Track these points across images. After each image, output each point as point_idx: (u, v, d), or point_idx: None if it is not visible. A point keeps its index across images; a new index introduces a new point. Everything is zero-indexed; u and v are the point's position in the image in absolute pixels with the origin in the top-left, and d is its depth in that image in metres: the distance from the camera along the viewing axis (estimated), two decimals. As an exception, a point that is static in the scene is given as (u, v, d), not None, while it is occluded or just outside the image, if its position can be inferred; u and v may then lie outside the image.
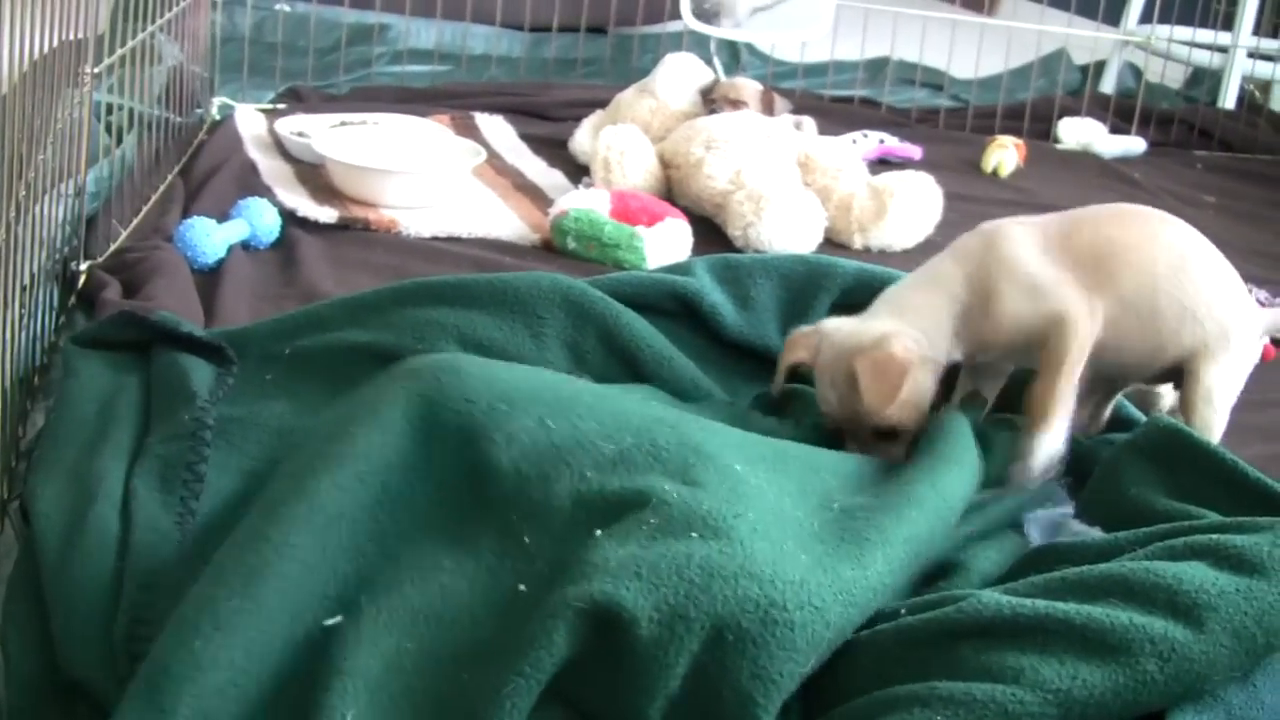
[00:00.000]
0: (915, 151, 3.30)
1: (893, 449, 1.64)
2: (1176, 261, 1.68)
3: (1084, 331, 1.64)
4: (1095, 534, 1.55)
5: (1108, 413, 1.83)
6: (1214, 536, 1.33)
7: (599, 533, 1.27)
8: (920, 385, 1.64)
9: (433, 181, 2.60)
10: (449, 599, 1.24)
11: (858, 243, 2.64)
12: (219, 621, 1.18)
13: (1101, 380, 1.76)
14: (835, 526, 1.37)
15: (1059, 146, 3.62)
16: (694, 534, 1.26)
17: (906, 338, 1.63)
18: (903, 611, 1.32)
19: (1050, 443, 1.64)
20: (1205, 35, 4.02)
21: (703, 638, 1.19)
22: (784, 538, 1.31)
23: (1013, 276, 1.66)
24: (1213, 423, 1.71)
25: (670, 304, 1.86)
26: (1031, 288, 1.65)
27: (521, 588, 1.24)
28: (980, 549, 1.49)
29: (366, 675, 1.17)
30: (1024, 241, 1.68)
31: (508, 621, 1.22)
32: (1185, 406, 1.72)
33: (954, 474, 1.51)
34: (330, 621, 1.22)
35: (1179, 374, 1.73)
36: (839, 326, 1.68)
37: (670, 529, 1.26)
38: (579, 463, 1.33)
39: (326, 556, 1.26)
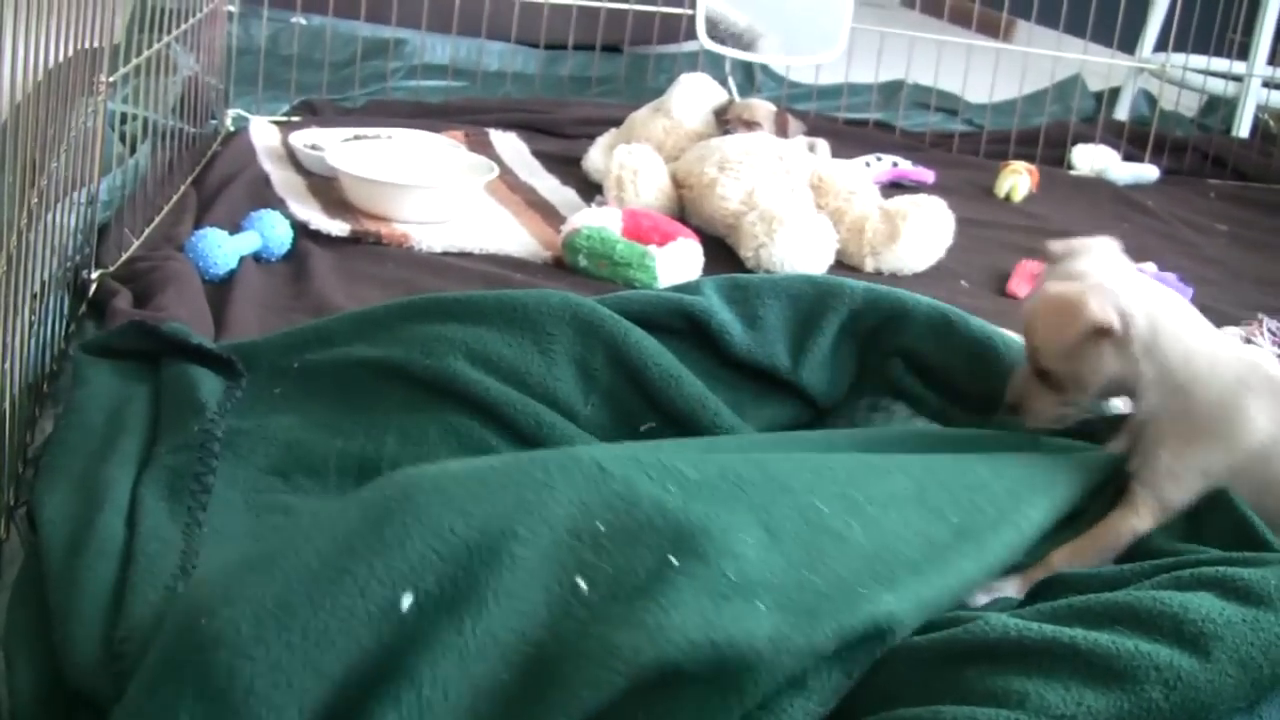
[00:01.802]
0: (928, 175, 3.30)
1: (1045, 395, 1.62)
2: None
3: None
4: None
5: None
6: (1221, 569, 1.33)
7: (675, 561, 1.24)
8: (1100, 360, 1.57)
9: (445, 197, 2.60)
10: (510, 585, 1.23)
11: (869, 265, 2.64)
12: None
13: None
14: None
15: (1072, 173, 3.62)
16: (760, 604, 1.23)
17: (1111, 300, 1.56)
18: (909, 633, 1.31)
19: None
20: (1220, 64, 4.02)
21: (753, 700, 1.18)
22: (855, 578, 1.30)
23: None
24: None
25: (678, 323, 1.86)
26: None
27: (581, 583, 1.23)
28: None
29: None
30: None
31: (560, 627, 1.19)
32: None
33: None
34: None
35: None
36: (1089, 263, 1.63)
37: (744, 587, 1.24)
38: (662, 477, 1.31)
39: None
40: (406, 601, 1.17)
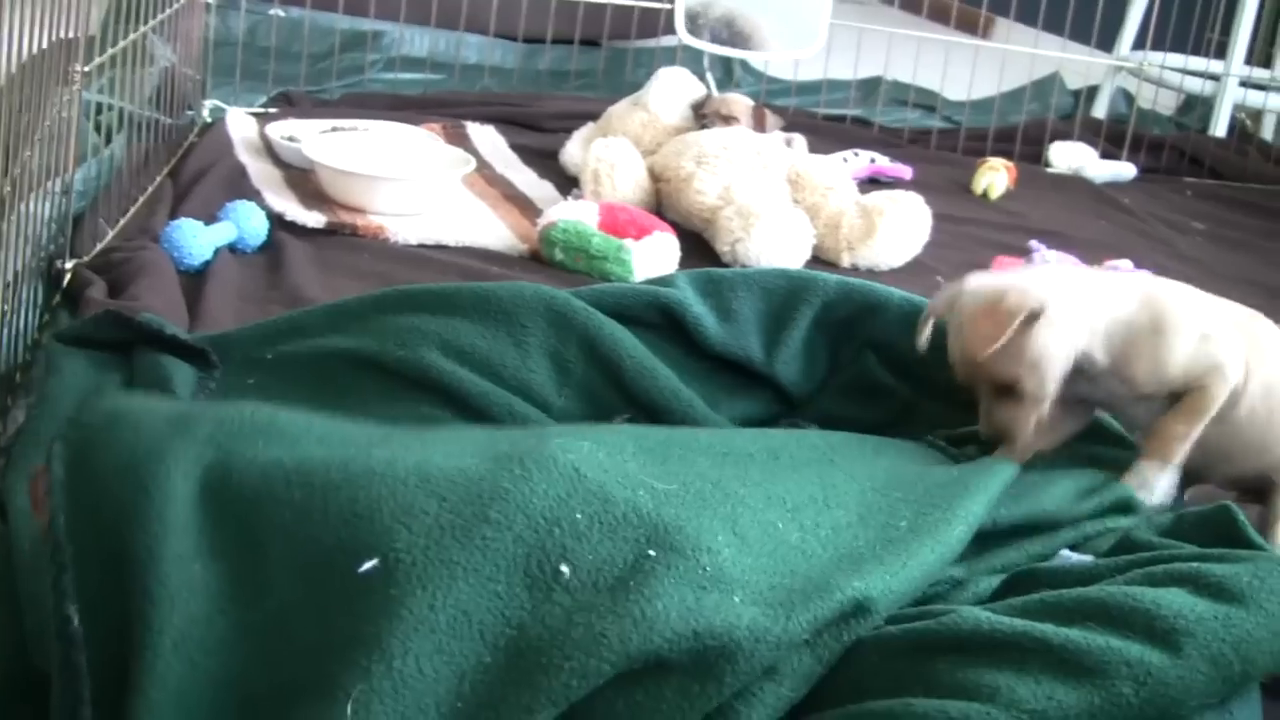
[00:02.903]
0: (906, 171, 3.31)
1: (1015, 412, 1.62)
2: None
3: (1234, 383, 1.63)
4: (1083, 559, 1.55)
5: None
6: (1194, 565, 1.33)
7: (653, 553, 1.25)
8: (1038, 340, 1.59)
9: (422, 189, 2.59)
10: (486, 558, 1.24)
11: (845, 261, 2.64)
12: None
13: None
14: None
15: (1050, 170, 3.62)
16: (736, 597, 1.24)
17: (1033, 294, 1.59)
18: (882, 622, 1.31)
19: (1172, 475, 1.64)
20: (1198, 63, 4.03)
21: (731, 689, 1.19)
22: (823, 576, 1.32)
23: (1188, 319, 1.63)
24: None
25: (653, 316, 1.86)
26: (1204, 334, 1.63)
27: (564, 570, 1.23)
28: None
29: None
30: (1194, 296, 1.68)
31: (544, 612, 1.19)
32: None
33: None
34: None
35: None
36: (980, 277, 1.66)
37: (721, 580, 1.25)
38: (633, 486, 1.32)
39: None
40: (368, 564, 1.18)
